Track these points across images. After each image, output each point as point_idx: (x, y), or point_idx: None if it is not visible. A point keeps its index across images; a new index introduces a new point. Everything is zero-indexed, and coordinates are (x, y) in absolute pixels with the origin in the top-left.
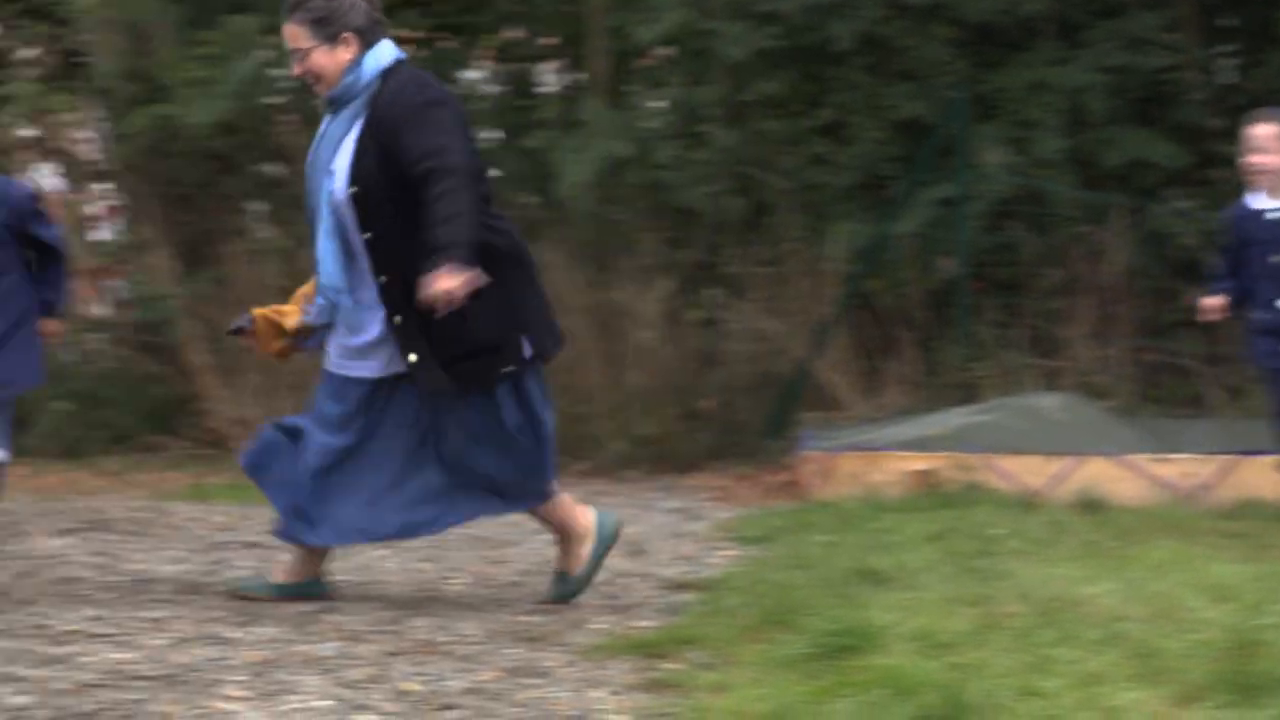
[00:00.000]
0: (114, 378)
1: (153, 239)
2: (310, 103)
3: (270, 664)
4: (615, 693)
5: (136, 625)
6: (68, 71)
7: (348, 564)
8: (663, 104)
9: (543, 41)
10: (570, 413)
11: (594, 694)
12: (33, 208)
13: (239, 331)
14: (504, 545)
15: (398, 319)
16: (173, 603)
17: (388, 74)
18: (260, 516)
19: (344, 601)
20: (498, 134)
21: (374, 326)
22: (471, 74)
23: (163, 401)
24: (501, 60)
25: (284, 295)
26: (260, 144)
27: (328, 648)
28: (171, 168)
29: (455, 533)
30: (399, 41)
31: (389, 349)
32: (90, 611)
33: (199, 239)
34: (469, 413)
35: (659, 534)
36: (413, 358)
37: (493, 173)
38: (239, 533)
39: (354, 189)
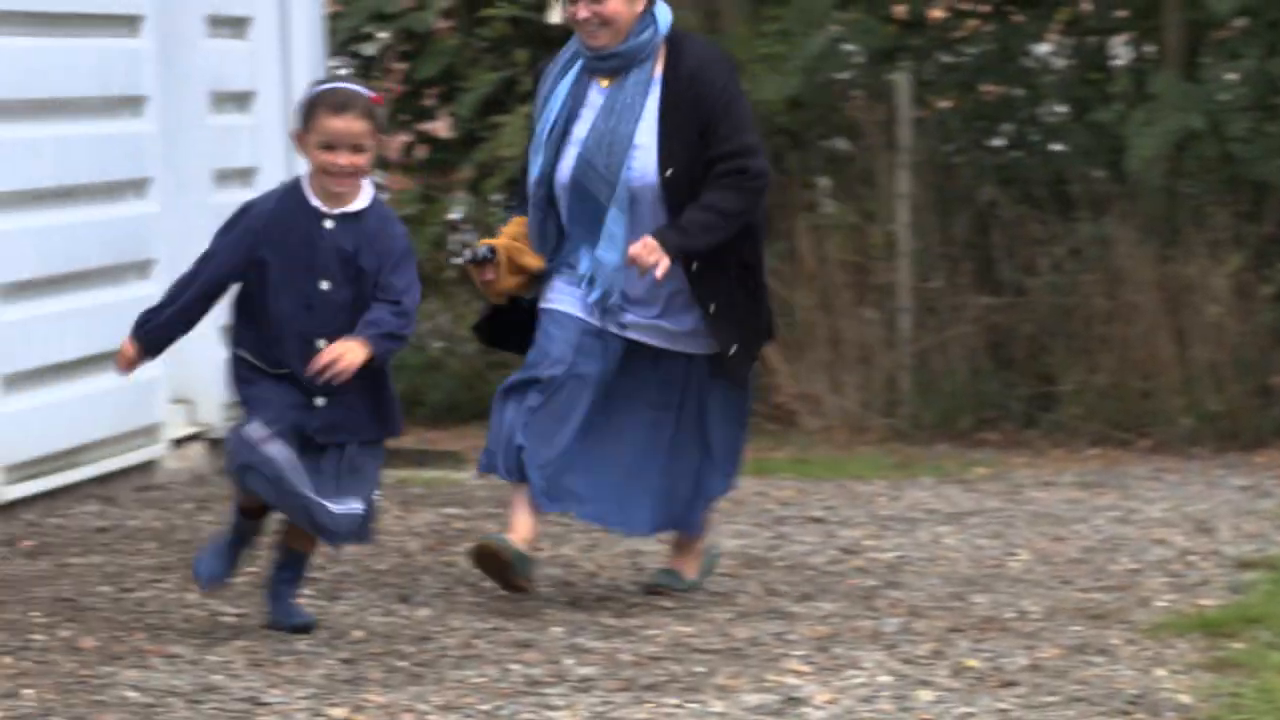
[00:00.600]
0: None
1: None
2: (880, 78)
3: (832, 639)
4: (1179, 672)
5: (700, 598)
6: None
7: (909, 540)
8: (1236, 76)
9: (1115, 14)
10: (1137, 388)
11: (1157, 673)
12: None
13: (476, 262)
14: (1067, 522)
15: (712, 308)
16: (735, 577)
17: (674, 36)
18: (822, 491)
19: (906, 578)
20: (1064, 109)
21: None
22: (1043, 48)
23: None
24: (1069, 34)
25: (850, 270)
26: (829, 119)
27: (889, 624)
28: None
29: (1017, 509)
30: (970, 16)
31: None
32: None
33: (766, 214)
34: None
35: (1225, 511)
36: (734, 349)
37: (1059, 148)
38: (801, 507)
39: (669, 172)
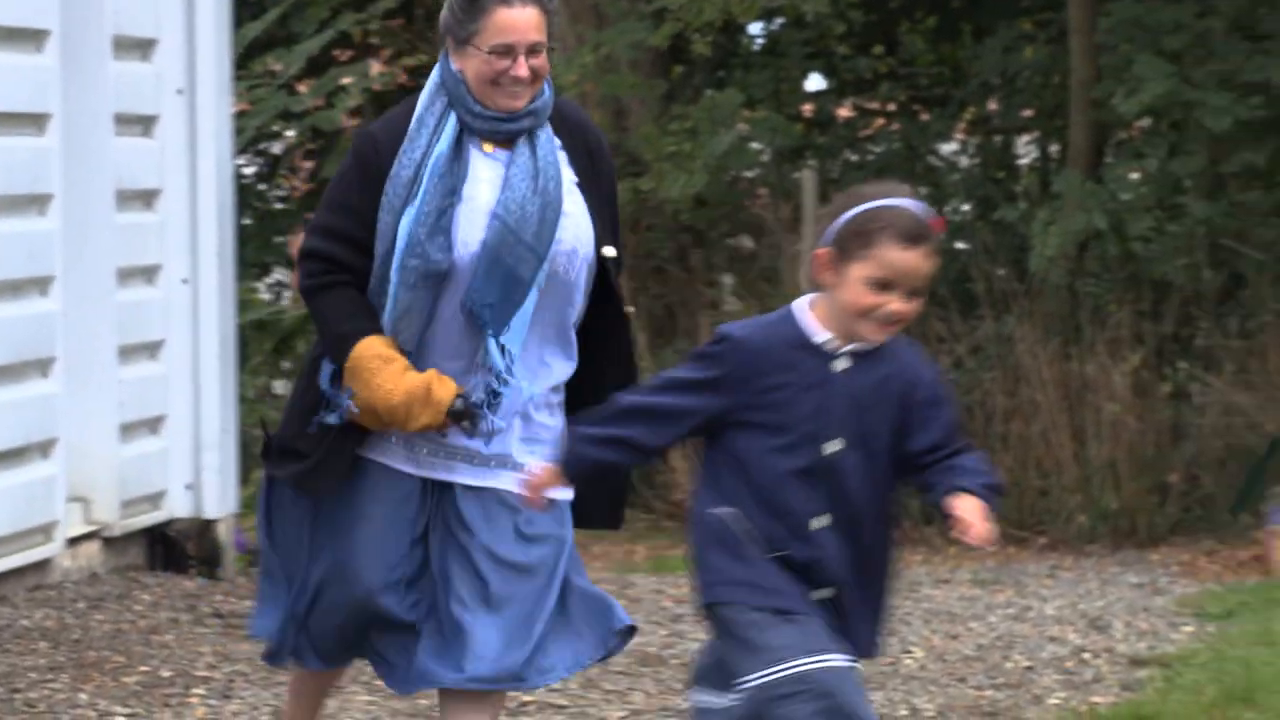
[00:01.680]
0: None
1: None
2: (789, 175)
3: None
4: None
5: (594, 696)
6: None
7: None
8: (1138, 176)
9: (1021, 114)
10: (1035, 486)
11: None
12: None
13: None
14: (962, 619)
15: None
16: (630, 675)
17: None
18: None
19: None
20: (969, 207)
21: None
22: (949, 147)
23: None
24: (975, 132)
25: None
26: (734, 217)
27: None
28: (644, 241)
29: (913, 606)
30: (877, 115)
31: None
32: None
33: (669, 311)
34: None
35: (1120, 609)
36: None
37: (963, 246)
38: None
39: (607, 249)
